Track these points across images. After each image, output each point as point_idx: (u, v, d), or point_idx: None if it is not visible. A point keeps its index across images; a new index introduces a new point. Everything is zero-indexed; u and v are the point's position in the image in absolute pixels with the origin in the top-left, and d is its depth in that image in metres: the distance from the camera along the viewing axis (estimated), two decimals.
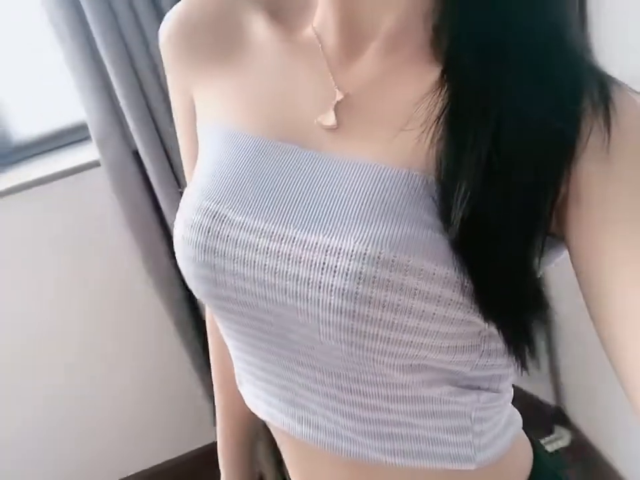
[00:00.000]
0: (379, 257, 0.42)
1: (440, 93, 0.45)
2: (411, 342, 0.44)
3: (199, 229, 0.48)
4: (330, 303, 0.43)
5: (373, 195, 0.44)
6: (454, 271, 0.42)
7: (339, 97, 0.49)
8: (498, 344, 0.48)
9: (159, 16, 1.33)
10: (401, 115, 0.46)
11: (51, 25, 1.32)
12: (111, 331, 1.69)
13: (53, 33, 1.32)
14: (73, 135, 1.61)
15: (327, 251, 0.44)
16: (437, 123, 0.44)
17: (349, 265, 0.43)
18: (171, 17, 0.58)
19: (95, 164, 1.49)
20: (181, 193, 0.54)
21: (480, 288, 0.43)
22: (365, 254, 0.42)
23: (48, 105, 1.60)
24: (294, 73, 0.52)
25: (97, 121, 1.39)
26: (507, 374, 0.53)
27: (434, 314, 0.43)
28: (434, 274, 0.42)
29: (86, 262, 1.60)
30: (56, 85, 1.54)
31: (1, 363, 1.63)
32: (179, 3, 0.58)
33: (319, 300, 0.44)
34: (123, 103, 1.36)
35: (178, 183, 1.45)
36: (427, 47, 0.48)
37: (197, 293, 0.51)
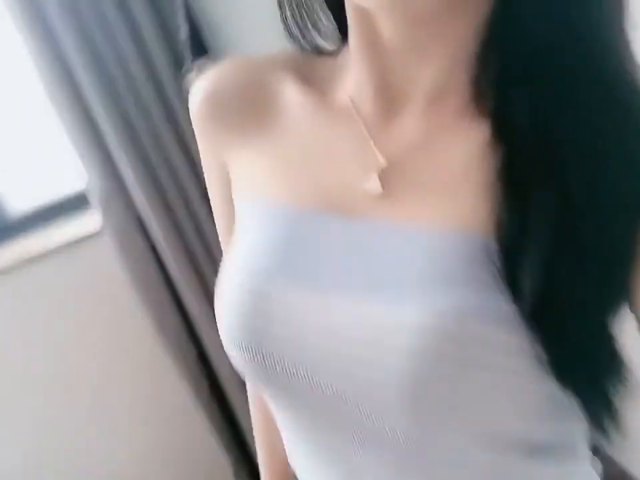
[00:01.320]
0: (444, 330, 0.39)
1: (493, 154, 0.42)
2: (484, 415, 0.41)
3: (242, 309, 0.45)
4: (392, 384, 0.41)
5: (432, 262, 0.42)
6: (525, 339, 0.39)
7: (383, 162, 0.47)
8: (574, 407, 0.46)
9: (155, 78, 1.33)
10: (451, 177, 0.44)
11: (47, 95, 1.30)
12: (121, 400, 1.64)
13: (50, 103, 1.31)
14: (70, 206, 1.58)
15: (385, 324, 0.41)
16: (494, 186, 0.41)
17: (411, 340, 0.40)
18: (199, 90, 0.56)
19: (94, 234, 1.46)
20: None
21: (555, 356, 0.40)
22: (427, 326, 0.39)
23: (44, 175, 1.58)
24: (331, 139, 0.50)
25: (99, 187, 1.37)
26: (584, 436, 0.50)
27: (506, 385, 0.40)
28: (505, 343, 0.39)
29: (93, 333, 1.57)
30: (51, 154, 1.52)
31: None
32: (206, 74, 0.57)
33: (381, 382, 0.41)
34: (124, 168, 1.35)
35: (183, 241, 1.43)
36: (472, 101, 0.45)
37: (246, 377, 0.49)
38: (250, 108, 0.54)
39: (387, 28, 0.44)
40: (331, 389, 0.44)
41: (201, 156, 0.60)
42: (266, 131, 0.53)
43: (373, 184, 0.47)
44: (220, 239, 0.62)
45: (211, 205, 0.62)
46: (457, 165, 0.45)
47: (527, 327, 0.39)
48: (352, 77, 0.50)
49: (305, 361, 0.44)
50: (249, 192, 0.53)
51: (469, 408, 0.41)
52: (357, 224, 0.46)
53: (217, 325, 0.49)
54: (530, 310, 0.39)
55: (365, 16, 0.44)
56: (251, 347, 0.45)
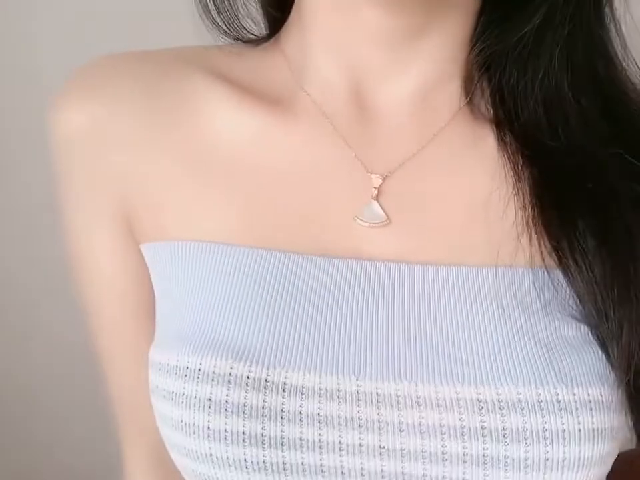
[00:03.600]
0: (557, 401, 0.32)
1: (517, 170, 0.37)
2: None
3: (241, 411, 0.33)
4: None
5: (496, 310, 0.35)
6: (617, 390, 0.34)
7: (377, 182, 0.38)
8: None
9: None
10: (462, 193, 0.38)
11: None
12: None
13: None
14: None
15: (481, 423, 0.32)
16: (535, 210, 0.36)
17: (533, 424, 0.32)
18: (74, 101, 0.40)
19: None
20: None
21: None
22: (537, 402, 0.32)
23: None
24: (299, 159, 0.39)
25: None
26: None
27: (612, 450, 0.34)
28: (611, 401, 0.33)
29: None
30: None
31: None
32: (78, 79, 0.41)
33: None
34: None
35: None
36: (467, 103, 0.40)
37: None
38: (159, 125, 0.40)
39: (376, 17, 0.37)
40: None
41: (74, 197, 0.43)
42: (192, 155, 0.40)
43: (373, 211, 0.38)
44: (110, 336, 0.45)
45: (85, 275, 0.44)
46: (469, 183, 0.39)
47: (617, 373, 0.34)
48: (315, 74, 0.40)
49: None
50: (186, 236, 0.39)
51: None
52: (374, 270, 0.36)
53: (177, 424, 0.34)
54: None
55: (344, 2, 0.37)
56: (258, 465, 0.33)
